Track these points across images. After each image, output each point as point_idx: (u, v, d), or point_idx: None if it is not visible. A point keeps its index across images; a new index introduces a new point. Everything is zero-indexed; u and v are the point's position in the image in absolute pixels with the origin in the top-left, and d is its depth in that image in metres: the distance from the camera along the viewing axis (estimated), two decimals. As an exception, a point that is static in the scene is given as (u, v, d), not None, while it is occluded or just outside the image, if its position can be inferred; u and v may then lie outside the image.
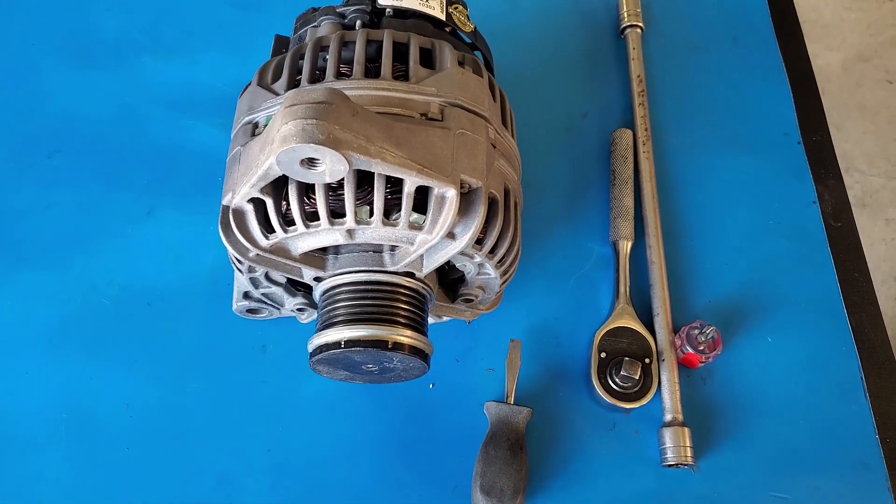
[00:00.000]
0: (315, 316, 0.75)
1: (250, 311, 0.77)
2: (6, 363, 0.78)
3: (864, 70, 2.30)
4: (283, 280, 0.68)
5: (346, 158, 0.51)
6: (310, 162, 0.52)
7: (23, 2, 0.99)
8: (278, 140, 0.50)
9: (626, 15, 0.96)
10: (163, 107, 0.93)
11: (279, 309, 0.76)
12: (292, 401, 0.77)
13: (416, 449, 0.75)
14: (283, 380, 0.78)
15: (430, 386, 0.78)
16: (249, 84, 0.68)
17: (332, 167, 0.52)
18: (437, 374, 0.78)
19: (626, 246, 0.82)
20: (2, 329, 0.79)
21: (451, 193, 0.57)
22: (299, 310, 0.73)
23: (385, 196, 0.57)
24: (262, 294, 0.70)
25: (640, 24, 0.96)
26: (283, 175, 0.57)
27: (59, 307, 0.81)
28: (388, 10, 0.69)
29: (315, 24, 0.70)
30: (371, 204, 0.58)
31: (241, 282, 0.72)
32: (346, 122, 0.51)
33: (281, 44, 0.74)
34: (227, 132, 0.89)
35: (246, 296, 0.74)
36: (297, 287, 0.71)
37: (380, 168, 0.54)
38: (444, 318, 0.78)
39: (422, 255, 0.62)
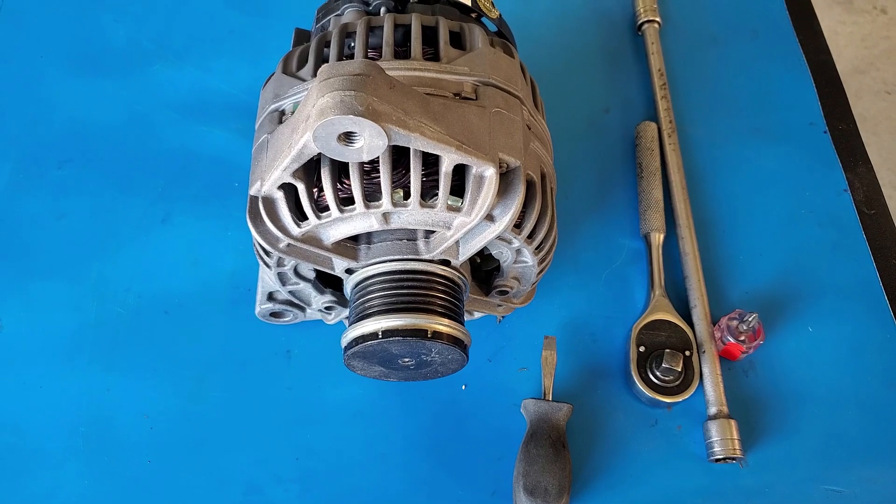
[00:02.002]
0: (343, 316, 0.72)
1: (274, 314, 0.74)
2: (22, 375, 0.75)
3: (861, 82, 2.30)
4: (311, 275, 0.65)
5: (385, 132, 0.49)
6: (347, 137, 0.50)
7: (31, 12, 0.97)
8: (315, 113, 0.48)
9: (642, 10, 0.95)
10: (174, 113, 0.91)
11: (304, 311, 0.73)
12: (319, 406, 0.74)
13: (450, 453, 0.72)
14: (309, 385, 0.75)
15: (463, 387, 0.75)
16: (273, 74, 0.65)
17: (370, 142, 0.50)
18: (469, 374, 0.75)
19: (658, 238, 0.80)
20: (17, 340, 0.76)
21: (490, 172, 0.54)
22: (327, 308, 0.70)
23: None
24: (290, 292, 0.68)
25: (658, 19, 0.95)
26: (316, 159, 0.55)
27: (74, 317, 0.78)
28: (413, -4, 0.68)
29: (338, 12, 0.68)
30: (405, 186, 0.56)
31: (266, 281, 0.70)
32: (385, 95, 0.49)
33: (301, 36, 0.72)
34: (240, 137, 0.89)
35: (270, 297, 0.72)
36: (325, 284, 0.68)
37: (419, 143, 0.51)
38: (476, 315, 0.75)
39: (458, 242, 0.60)
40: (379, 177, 0.55)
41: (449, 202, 0.56)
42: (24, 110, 0.90)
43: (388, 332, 0.58)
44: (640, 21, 0.95)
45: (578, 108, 0.91)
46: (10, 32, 0.96)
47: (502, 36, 0.72)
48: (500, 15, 0.72)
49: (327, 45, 0.64)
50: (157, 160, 0.87)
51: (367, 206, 0.55)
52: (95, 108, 0.91)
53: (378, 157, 0.52)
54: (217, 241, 0.82)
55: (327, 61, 0.62)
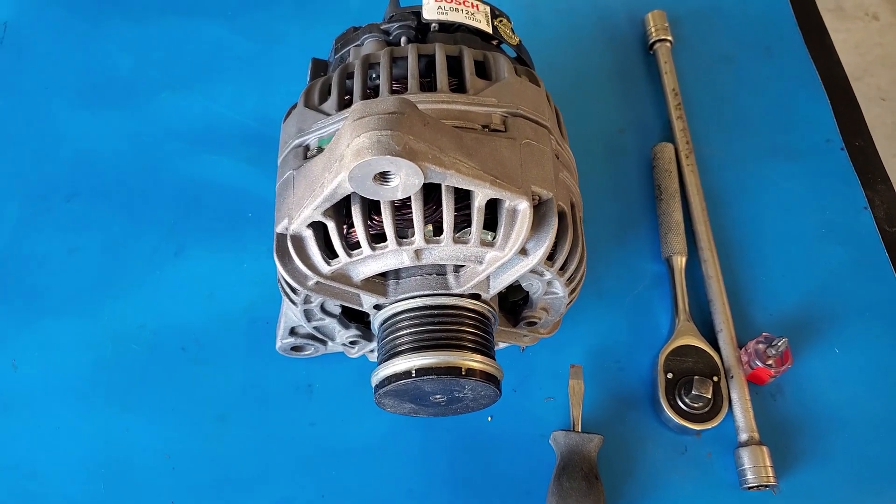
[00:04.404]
0: (366, 349, 0.71)
1: (295, 348, 0.73)
2: (38, 417, 0.73)
3: (856, 89, 2.29)
4: (337, 311, 0.64)
5: (421, 171, 0.48)
6: (382, 177, 0.49)
7: (34, 42, 0.96)
8: (350, 154, 0.47)
9: (653, 30, 0.95)
10: (183, 143, 0.90)
11: (325, 345, 0.72)
12: (344, 442, 0.73)
13: (478, 487, 0.71)
14: (332, 420, 0.74)
15: (489, 419, 0.74)
16: (294, 107, 0.64)
17: (406, 181, 0.49)
18: (495, 405, 0.72)
19: (680, 262, 0.79)
20: (31, 381, 0.75)
21: (524, 206, 0.53)
22: (351, 343, 0.69)
23: (451, 212, 0.53)
24: (314, 327, 0.66)
25: (670, 38, 0.94)
26: (347, 196, 0.53)
27: (88, 356, 0.76)
28: (433, 24, 0.67)
29: (358, 42, 0.67)
30: (436, 222, 0.55)
31: (290, 316, 0.68)
32: (420, 132, 0.48)
33: (319, 67, 0.71)
34: (250, 166, 0.88)
35: (292, 332, 0.70)
36: (350, 318, 0.67)
37: (454, 180, 0.50)
38: (501, 345, 0.74)
39: (489, 275, 0.58)
40: (409, 213, 0.54)
41: (482, 237, 0.55)
42: (29, 142, 0.89)
43: (421, 371, 0.56)
44: (652, 40, 0.95)
45: (592, 130, 0.90)
46: (13, 63, 0.95)
47: (522, 61, 0.71)
48: (521, 41, 0.71)
49: (349, 76, 0.63)
50: (167, 191, 0.86)
51: (400, 244, 0.54)
52: (102, 139, 0.90)
53: (410, 194, 0.51)
54: (232, 274, 0.81)
55: (350, 94, 0.61)
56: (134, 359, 0.76)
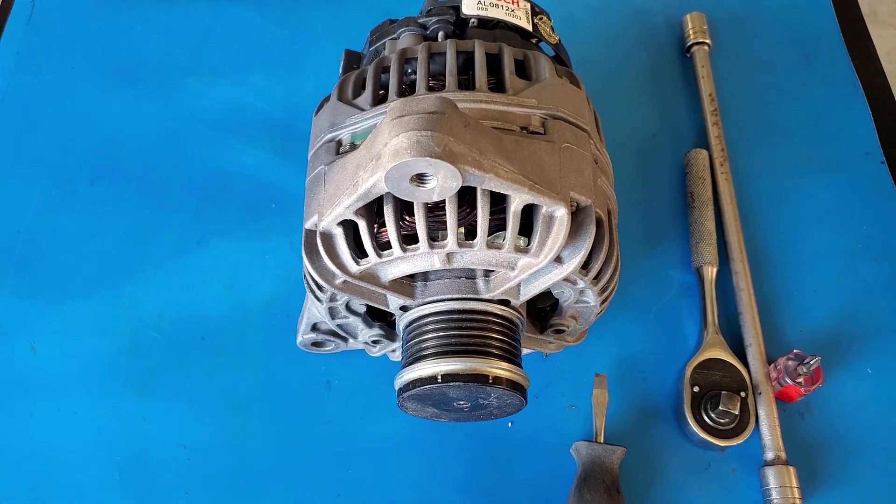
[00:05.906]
0: (388, 349, 0.70)
1: (315, 344, 0.72)
2: (54, 403, 0.72)
3: (886, 97, 2.26)
4: (362, 310, 0.63)
5: (460, 173, 0.46)
6: (419, 178, 0.47)
7: (61, 23, 0.95)
8: (388, 154, 0.46)
9: (691, 32, 0.92)
10: (209, 130, 0.88)
11: (346, 341, 0.71)
12: (361, 440, 0.71)
13: (496, 493, 0.70)
14: (350, 418, 0.72)
15: (509, 425, 0.72)
16: (327, 100, 0.63)
17: (443, 183, 0.47)
18: None
19: (710, 272, 0.77)
20: (48, 366, 0.74)
21: (562, 213, 0.52)
22: (374, 342, 0.67)
23: (486, 216, 0.52)
24: (337, 325, 0.65)
25: (708, 41, 0.92)
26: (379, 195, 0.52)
27: (107, 342, 0.75)
28: (472, 20, 0.65)
29: (394, 35, 0.65)
30: (469, 225, 0.54)
31: (313, 312, 0.67)
32: (460, 134, 0.47)
33: (352, 59, 0.70)
34: (276, 156, 0.87)
35: (314, 328, 0.69)
36: (373, 317, 0.65)
37: (492, 184, 0.49)
38: (524, 351, 0.73)
39: (520, 282, 0.57)
40: (442, 214, 0.52)
41: (516, 243, 0.53)
42: (55, 124, 0.88)
43: (447, 377, 0.55)
44: (689, 43, 0.92)
45: (625, 133, 0.88)
46: (40, 44, 0.94)
47: (560, 61, 0.70)
48: (560, 40, 0.69)
49: (385, 70, 0.61)
50: (191, 178, 0.85)
51: (432, 246, 0.53)
52: (128, 123, 0.89)
53: (444, 195, 0.50)
54: (254, 266, 0.80)
55: (386, 88, 0.60)
56: (153, 347, 0.75)
